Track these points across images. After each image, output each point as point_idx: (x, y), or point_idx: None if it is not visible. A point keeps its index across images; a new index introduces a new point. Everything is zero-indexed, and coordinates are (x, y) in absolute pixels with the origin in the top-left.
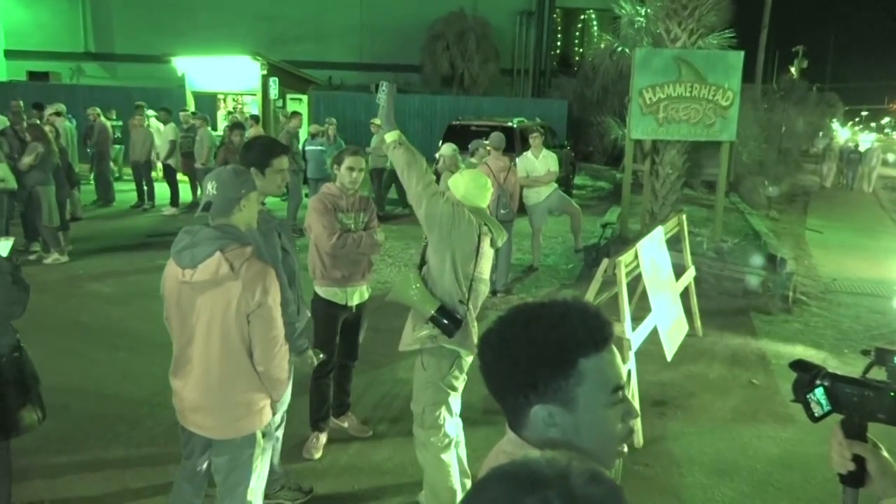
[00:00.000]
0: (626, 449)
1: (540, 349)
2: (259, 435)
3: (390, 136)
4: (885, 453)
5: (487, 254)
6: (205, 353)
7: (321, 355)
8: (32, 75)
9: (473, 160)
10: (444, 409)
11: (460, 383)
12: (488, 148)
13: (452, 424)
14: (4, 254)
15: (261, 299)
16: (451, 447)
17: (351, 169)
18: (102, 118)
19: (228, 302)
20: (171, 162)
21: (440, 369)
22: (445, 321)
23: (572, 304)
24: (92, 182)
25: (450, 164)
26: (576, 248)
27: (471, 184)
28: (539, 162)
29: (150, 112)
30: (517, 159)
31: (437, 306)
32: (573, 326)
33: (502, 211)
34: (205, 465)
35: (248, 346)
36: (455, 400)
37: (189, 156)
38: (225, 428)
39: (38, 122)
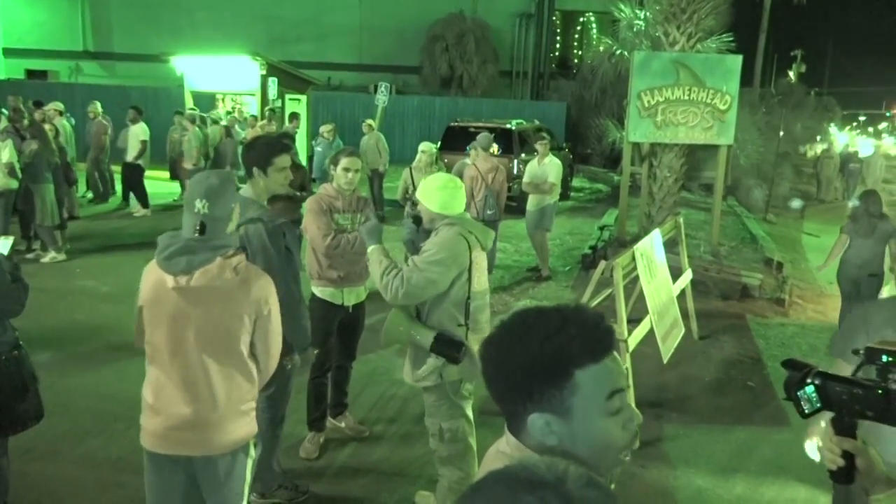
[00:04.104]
0: (628, 457)
1: (536, 360)
2: (251, 443)
3: (373, 254)
4: (872, 450)
5: (481, 265)
6: (201, 363)
7: (315, 352)
8: (31, 74)
9: (467, 160)
10: (463, 421)
11: (470, 389)
12: (492, 151)
13: (473, 433)
14: (5, 252)
15: (265, 306)
16: (474, 452)
17: (347, 170)
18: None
19: (231, 307)
20: (140, 162)
21: (453, 385)
22: (447, 349)
23: (571, 314)
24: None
25: (426, 163)
26: (543, 274)
27: (443, 193)
28: (540, 169)
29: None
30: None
31: (434, 335)
32: (570, 337)
33: (489, 212)
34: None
35: (248, 351)
36: (468, 405)
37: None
38: (224, 441)
39: (37, 119)
